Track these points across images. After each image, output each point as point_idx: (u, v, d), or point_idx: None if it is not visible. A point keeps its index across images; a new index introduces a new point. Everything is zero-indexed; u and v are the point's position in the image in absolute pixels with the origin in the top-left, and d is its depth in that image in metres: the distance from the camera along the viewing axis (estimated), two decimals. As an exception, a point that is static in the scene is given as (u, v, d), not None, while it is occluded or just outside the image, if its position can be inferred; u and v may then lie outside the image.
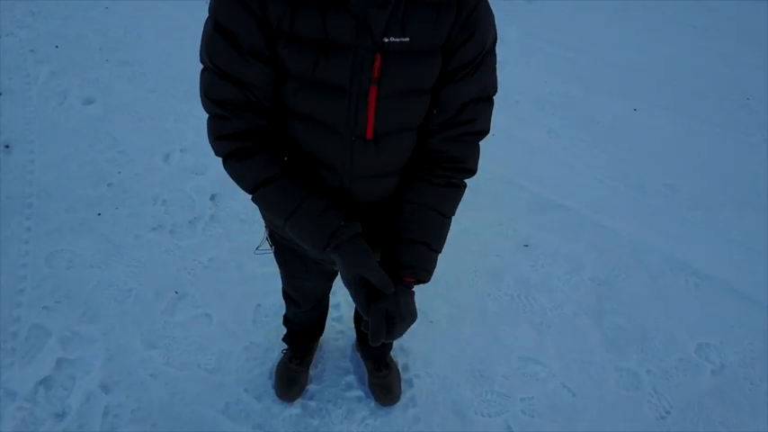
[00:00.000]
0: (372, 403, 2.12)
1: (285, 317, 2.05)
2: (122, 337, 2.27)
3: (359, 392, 2.14)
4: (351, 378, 2.18)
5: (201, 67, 1.14)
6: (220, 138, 1.17)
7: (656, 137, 3.33)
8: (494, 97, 1.25)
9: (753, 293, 2.63)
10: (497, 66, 1.22)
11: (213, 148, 1.21)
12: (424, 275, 1.29)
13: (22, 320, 2.30)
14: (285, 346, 2.16)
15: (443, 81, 1.18)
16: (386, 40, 1.09)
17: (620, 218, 2.90)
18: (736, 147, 3.33)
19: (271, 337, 2.27)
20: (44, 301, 2.36)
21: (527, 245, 2.70)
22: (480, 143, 1.28)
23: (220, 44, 1.10)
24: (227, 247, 2.53)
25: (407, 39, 1.10)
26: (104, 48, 3.45)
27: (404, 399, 2.13)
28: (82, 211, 2.68)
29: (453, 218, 1.35)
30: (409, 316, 1.26)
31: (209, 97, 1.14)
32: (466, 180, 1.31)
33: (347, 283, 1.26)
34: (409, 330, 1.29)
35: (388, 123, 1.18)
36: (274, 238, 1.53)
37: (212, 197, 2.76)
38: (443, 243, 1.33)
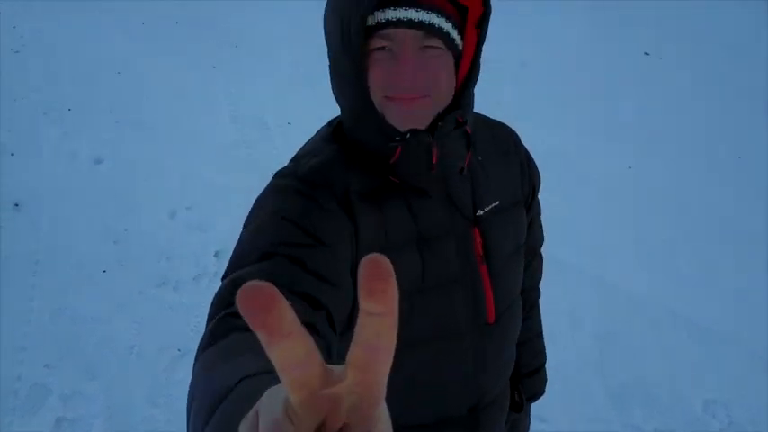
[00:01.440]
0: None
1: None
2: (124, 394, 2.26)
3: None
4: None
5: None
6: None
7: (651, 193, 3.39)
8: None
9: (755, 347, 2.63)
10: None
11: None
12: (542, 390, 1.34)
13: (23, 379, 2.30)
14: None
15: (529, 225, 1.14)
16: (479, 212, 1.00)
17: (618, 272, 2.92)
18: (731, 202, 3.38)
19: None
20: (46, 359, 2.36)
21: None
22: None
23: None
24: (230, 304, 2.55)
25: (498, 202, 1.02)
26: (115, 110, 3.57)
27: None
28: (87, 267, 2.72)
29: None
30: None
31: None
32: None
33: None
34: None
35: (503, 299, 1.05)
36: None
37: (216, 254, 2.79)
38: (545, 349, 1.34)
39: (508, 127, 1.13)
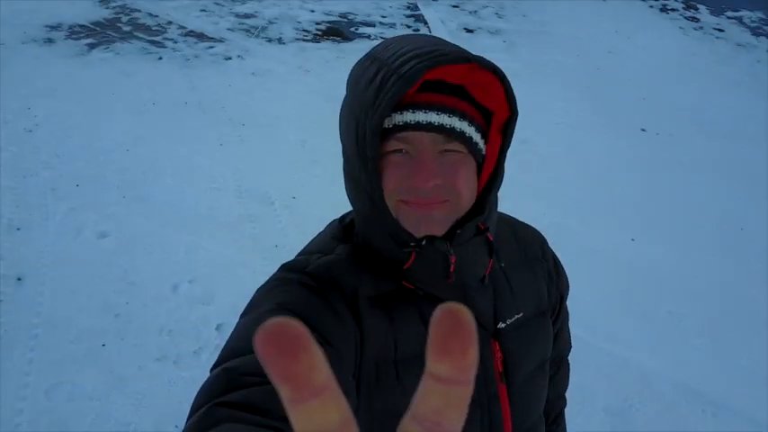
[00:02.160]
0: None
1: None
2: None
3: None
4: None
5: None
6: None
7: (654, 265, 3.38)
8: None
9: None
10: None
11: None
12: None
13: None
14: None
15: (555, 336, 1.07)
16: (501, 325, 0.93)
17: (627, 345, 2.87)
18: (735, 275, 3.37)
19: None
20: (38, 438, 2.29)
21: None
22: None
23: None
24: (230, 378, 2.49)
25: (521, 314, 0.96)
26: (122, 185, 3.63)
27: None
28: (86, 341, 2.68)
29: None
30: None
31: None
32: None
33: None
34: None
35: (524, 417, 0.97)
36: None
37: (218, 327, 2.76)
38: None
39: (535, 230, 1.07)
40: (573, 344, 2.85)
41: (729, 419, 2.55)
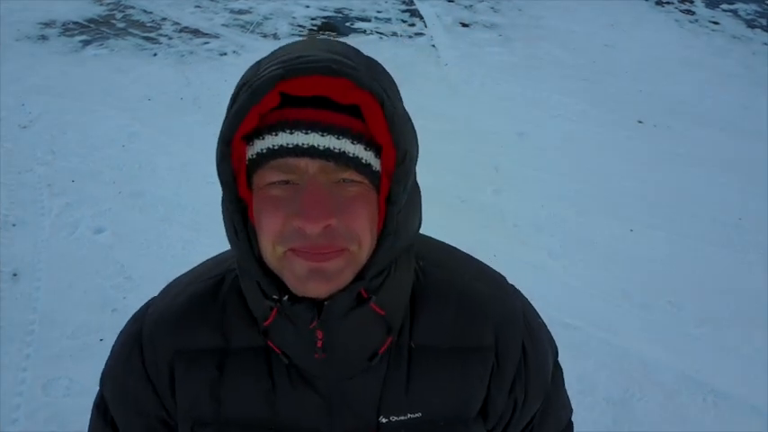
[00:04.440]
0: None
1: None
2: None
3: None
4: None
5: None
6: None
7: (653, 256, 3.37)
8: (571, 416, 0.98)
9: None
10: None
11: None
12: None
13: (10, 454, 2.20)
14: None
15: None
16: (382, 419, 0.75)
17: (627, 336, 2.86)
18: (734, 265, 3.36)
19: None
20: (38, 429, 2.27)
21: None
22: None
23: (99, 428, 0.86)
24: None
25: (419, 414, 0.75)
26: (118, 181, 3.61)
27: None
28: (84, 337, 2.66)
29: None
30: None
31: None
32: None
33: None
34: None
35: None
36: None
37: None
38: None
39: (506, 305, 0.80)
40: (572, 335, 2.79)
41: (731, 407, 2.55)
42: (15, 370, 2.50)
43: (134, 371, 0.77)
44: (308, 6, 6.18)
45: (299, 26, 5.81)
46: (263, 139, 0.63)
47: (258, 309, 0.71)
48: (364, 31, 5.75)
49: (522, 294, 0.84)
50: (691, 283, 3.23)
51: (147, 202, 3.47)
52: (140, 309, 0.83)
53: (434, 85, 5.04)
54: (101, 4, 5.95)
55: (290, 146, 0.61)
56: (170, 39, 5.40)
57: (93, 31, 5.44)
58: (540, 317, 0.86)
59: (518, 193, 3.84)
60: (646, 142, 4.46)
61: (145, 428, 0.78)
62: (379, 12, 6.20)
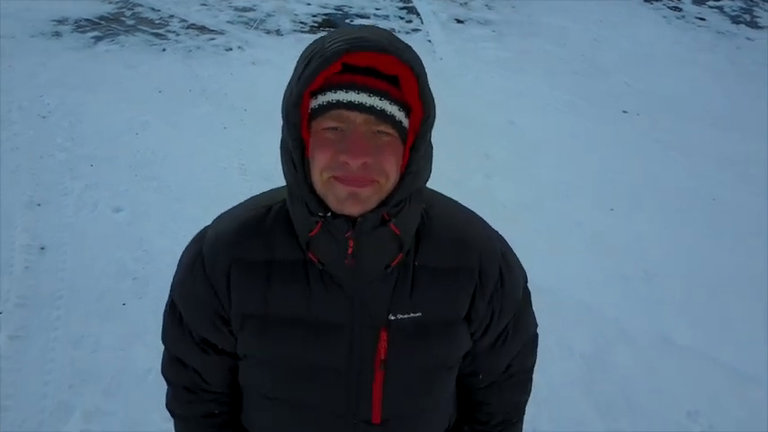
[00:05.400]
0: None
1: None
2: (142, 411, 2.42)
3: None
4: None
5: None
6: (168, 408, 1.16)
7: (632, 233, 3.62)
8: (536, 331, 1.16)
9: (735, 363, 2.79)
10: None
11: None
12: None
13: (48, 397, 2.46)
14: None
15: (483, 351, 1.07)
16: (391, 317, 0.95)
17: (603, 300, 3.11)
18: (706, 241, 3.61)
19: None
20: (70, 381, 2.53)
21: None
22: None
23: (173, 327, 1.06)
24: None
25: (419, 313, 0.96)
26: (133, 165, 3.87)
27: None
28: (108, 301, 2.92)
29: None
30: None
31: (162, 373, 1.14)
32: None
33: None
34: None
35: (400, 406, 1.01)
36: None
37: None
38: None
39: (488, 241, 1.03)
40: (554, 300, 3.05)
41: (696, 362, 2.80)
42: (47, 330, 2.76)
43: (197, 277, 0.99)
44: (309, 4, 6.45)
45: (301, 23, 6.08)
46: (325, 95, 0.84)
47: (303, 225, 0.91)
48: (363, 28, 6.01)
49: (503, 238, 1.08)
50: (666, 257, 3.48)
51: (160, 184, 3.73)
52: (198, 234, 1.05)
53: (430, 78, 5.29)
54: (110, 3, 6.21)
55: (345, 101, 0.83)
56: (177, 35, 5.66)
57: (104, 27, 5.70)
58: (515, 255, 1.09)
59: (507, 177, 4.10)
60: (629, 131, 4.72)
61: (206, 320, 1.01)
62: (377, 9, 6.47)
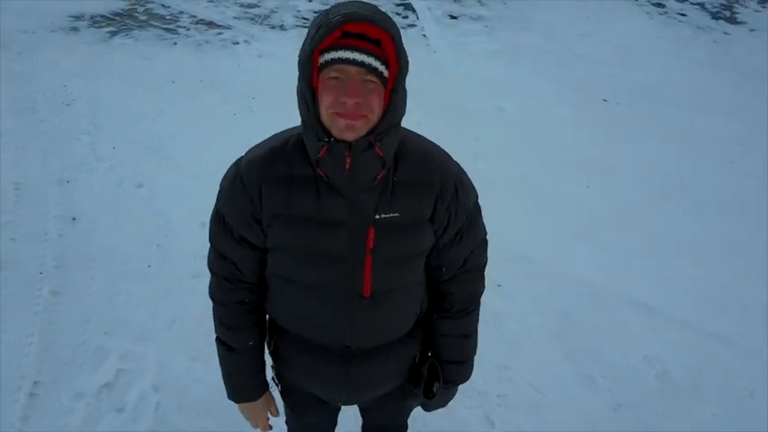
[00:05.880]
0: None
1: None
2: (170, 353, 2.79)
3: None
4: None
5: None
6: (211, 296, 1.52)
7: (605, 204, 3.98)
8: (486, 237, 1.51)
9: (691, 318, 3.16)
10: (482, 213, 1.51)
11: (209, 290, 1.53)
12: (465, 380, 1.62)
13: (87, 342, 2.83)
14: None
15: (445, 247, 1.42)
16: (377, 216, 1.29)
17: (578, 266, 3.47)
18: (674, 213, 3.97)
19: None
20: (105, 328, 2.90)
21: (500, 285, 3.26)
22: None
23: (218, 229, 1.41)
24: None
25: (397, 214, 1.30)
26: (151, 147, 4.23)
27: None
28: (135, 264, 3.28)
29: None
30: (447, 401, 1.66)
31: (208, 266, 1.49)
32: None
33: None
34: None
35: (384, 283, 1.36)
36: (280, 377, 1.67)
37: (241, 252, 3.36)
38: (474, 351, 1.62)
39: (447, 164, 1.38)
40: (533, 267, 3.42)
41: (661, 320, 3.16)
42: (82, 287, 3.12)
43: (236, 189, 1.34)
44: (310, 0, 6.80)
45: (303, 18, 6.43)
46: (330, 53, 1.17)
47: (314, 148, 1.25)
48: (362, 23, 6.37)
49: (459, 165, 1.44)
50: (638, 228, 3.84)
51: (177, 164, 4.09)
52: (234, 162, 1.41)
53: (424, 70, 5.63)
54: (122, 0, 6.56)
55: (344, 58, 1.16)
56: (187, 30, 6.02)
57: (119, 23, 6.06)
58: (468, 178, 1.45)
59: (495, 158, 4.46)
60: (609, 117, 5.08)
61: (244, 221, 1.35)
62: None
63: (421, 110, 4.89)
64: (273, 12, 6.53)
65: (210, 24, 6.16)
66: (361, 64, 1.16)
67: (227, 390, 1.61)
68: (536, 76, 5.60)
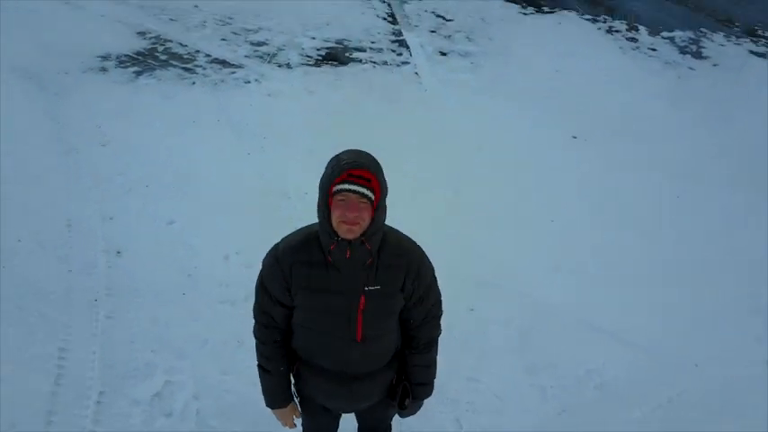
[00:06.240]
0: None
1: None
2: (205, 367, 3.49)
3: None
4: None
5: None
6: (255, 336, 2.19)
7: (571, 238, 4.66)
8: (440, 298, 2.19)
9: (629, 337, 3.86)
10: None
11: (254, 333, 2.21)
12: (428, 396, 2.33)
13: (138, 359, 3.53)
14: None
15: (412, 307, 2.09)
16: (366, 288, 1.96)
17: (542, 292, 4.16)
18: (633, 239, 4.66)
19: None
20: (152, 347, 3.60)
21: (472, 309, 3.97)
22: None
23: (262, 292, 2.09)
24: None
25: (379, 287, 1.96)
26: (180, 185, 4.87)
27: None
28: (172, 292, 3.97)
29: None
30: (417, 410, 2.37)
31: (254, 316, 2.17)
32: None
33: None
34: None
35: (370, 331, 2.04)
36: (300, 391, 2.33)
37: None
38: (435, 376, 2.31)
39: (413, 252, 2.06)
40: (497, 291, 4.14)
41: (599, 334, 3.87)
42: (131, 312, 3.81)
43: (274, 268, 2.01)
44: (313, 38, 7.47)
45: (308, 56, 7.11)
46: (340, 185, 1.82)
47: (327, 243, 1.91)
48: (360, 61, 7.05)
49: (422, 249, 2.10)
50: (596, 256, 4.53)
51: (203, 201, 4.77)
52: (273, 246, 2.09)
53: (415, 106, 6.34)
54: (144, 38, 7.22)
55: (348, 189, 1.81)
56: (204, 69, 6.69)
57: (142, 62, 6.73)
58: (428, 259, 2.11)
59: (474, 188, 5.16)
60: (578, 152, 5.77)
61: (279, 288, 2.01)
62: (372, 42, 7.49)
63: (409, 145, 5.61)
64: (280, 50, 7.20)
65: (224, 63, 6.83)
66: (358, 193, 1.83)
67: (265, 399, 2.32)
68: (515, 112, 6.29)
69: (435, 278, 2.17)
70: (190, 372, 3.47)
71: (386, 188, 1.92)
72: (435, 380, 2.32)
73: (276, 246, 2.09)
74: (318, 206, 1.93)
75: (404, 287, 2.04)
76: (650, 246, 4.68)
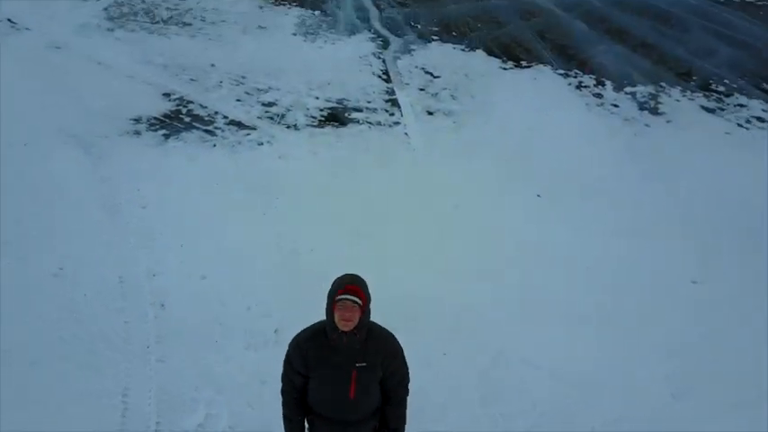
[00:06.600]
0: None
1: None
2: (237, 402, 4.56)
3: None
4: None
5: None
6: (282, 395, 3.21)
7: (527, 289, 5.74)
8: (408, 371, 3.20)
9: (566, 376, 4.94)
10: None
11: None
12: None
13: (185, 395, 4.60)
14: None
15: (389, 376, 3.07)
16: (357, 365, 2.95)
17: (501, 339, 5.24)
18: (584, 285, 5.74)
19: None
20: (195, 385, 4.67)
21: (445, 353, 5.05)
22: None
23: (287, 366, 3.11)
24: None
25: (365, 364, 2.96)
26: (209, 244, 5.97)
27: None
28: (207, 339, 5.04)
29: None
30: None
31: (281, 380, 3.18)
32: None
33: None
34: None
35: (360, 393, 3.01)
36: None
37: (276, 330, 5.08)
38: (405, 422, 3.30)
39: (390, 341, 3.10)
40: (470, 340, 5.34)
41: (544, 374, 4.94)
42: (177, 356, 4.89)
43: (296, 351, 3.08)
44: (317, 98, 8.55)
45: (312, 117, 8.19)
46: (340, 296, 2.90)
47: (331, 333, 2.96)
48: (358, 121, 8.13)
49: (395, 337, 3.19)
50: (547, 303, 5.60)
51: (229, 257, 5.85)
52: (295, 335, 3.22)
53: (404, 164, 7.44)
54: (169, 100, 8.30)
55: (346, 298, 2.89)
56: (223, 131, 7.77)
57: (169, 125, 7.80)
58: (401, 346, 3.20)
59: (453, 240, 6.24)
60: (539, 212, 6.84)
61: (300, 364, 3.08)
62: (368, 102, 8.58)
63: (399, 197, 6.68)
64: (288, 110, 8.28)
65: (239, 125, 7.91)
66: (352, 301, 2.90)
67: None
68: (488, 171, 7.35)
69: (404, 357, 3.26)
70: (225, 406, 4.55)
71: (370, 298, 3.03)
72: (405, 425, 3.41)
73: (298, 335, 3.20)
74: (326, 309, 3.00)
75: (383, 363, 3.08)
76: (599, 295, 5.75)
